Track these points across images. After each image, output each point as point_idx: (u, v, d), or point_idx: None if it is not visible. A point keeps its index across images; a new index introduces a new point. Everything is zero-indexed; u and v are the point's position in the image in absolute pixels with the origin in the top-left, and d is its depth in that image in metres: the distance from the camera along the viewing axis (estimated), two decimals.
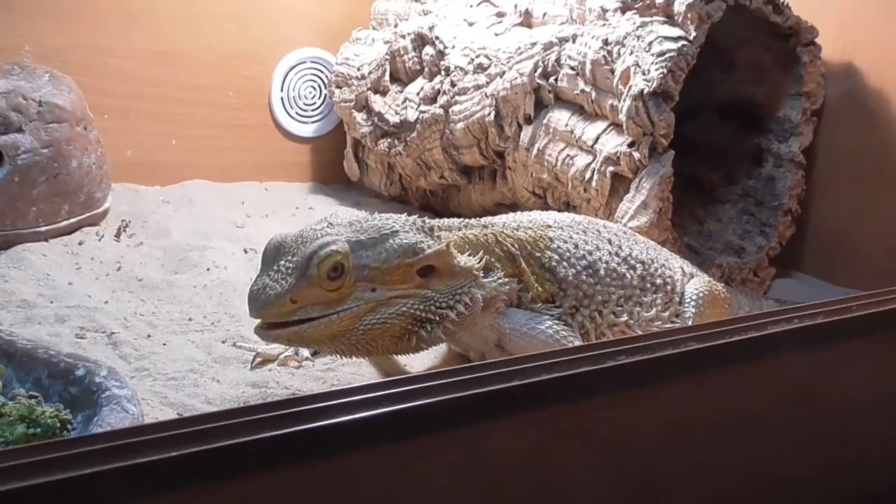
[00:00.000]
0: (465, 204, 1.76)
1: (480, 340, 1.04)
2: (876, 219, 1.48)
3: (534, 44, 1.54)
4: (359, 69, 1.86)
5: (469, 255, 1.00)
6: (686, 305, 1.14)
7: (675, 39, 1.30)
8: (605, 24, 1.44)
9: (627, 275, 1.10)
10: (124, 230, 1.54)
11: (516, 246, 1.05)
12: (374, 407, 0.55)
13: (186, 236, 1.55)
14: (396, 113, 1.77)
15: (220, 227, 1.63)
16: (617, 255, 1.10)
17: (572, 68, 1.45)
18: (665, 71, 1.28)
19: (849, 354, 0.80)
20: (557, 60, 1.49)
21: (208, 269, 1.39)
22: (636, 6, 1.41)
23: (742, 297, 1.33)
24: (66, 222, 1.49)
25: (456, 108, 1.64)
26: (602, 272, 1.08)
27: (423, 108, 1.71)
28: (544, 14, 1.61)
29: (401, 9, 1.90)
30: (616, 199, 1.37)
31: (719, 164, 1.61)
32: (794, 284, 1.55)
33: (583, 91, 1.43)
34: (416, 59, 1.79)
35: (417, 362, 1.15)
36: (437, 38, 1.73)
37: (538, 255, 1.06)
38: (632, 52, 1.33)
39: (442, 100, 1.67)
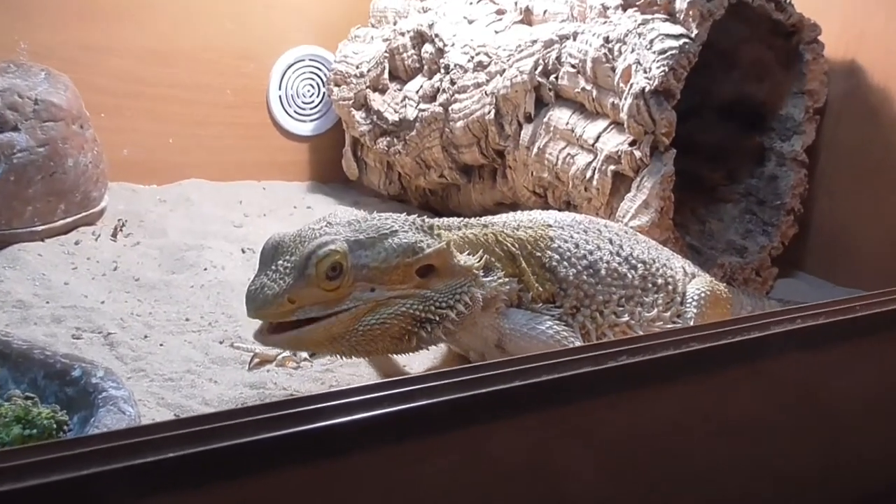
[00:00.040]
0: (464, 203, 1.76)
1: (480, 341, 1.04)
2: (879, 218, 1.48)
3: (534, 41, 1.54)
4: (357, 67, 1.86)
5: (469, 254, 1.00)
6: (688, 306, 1.14)
7: (677, 37, 1.30)
8: (606, 22, 1.44)
9: (629, 275, 1.10)
10: (121, 230, 1.54)
11: (517, 245, 1.05)
12: (375, 408, 0.55)
13: (183, 236, 1.55)
14: (395, 111, 1.77)
15: (217, 226, 1.63)
16: (618, 254, 1.10)
17: (573, 66, 1.45)
18: (667, 69, 1.28)
19: (852, 355, 0.80)
20: (558, 58, 1.49)
21: (206, 269, 1.40)
22: (637, 3, 1.41)
23: (744, 297, 1.33)
24: (62, 222, 1.49)
25: (456, 106, 1.64)
26: (603, 272, 1.08)
27: (422, 106, 1.71)
28: (545, 11, 1.61)
29: (400, 6, 1.90)
30: (617, 198, 1.37)
31: (721, 162, 1.61)
32: (797, 284, 1.55)
33: (584, 89, 1.43)
34: (415, 56, 1.79)
35: (417, 363, 1.15)
36: (436, 35, 1.73)
37: (539, 254, 1.06)
38: (633, 50, 1.33)
39: (441, 98, 1.67)
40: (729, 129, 1.62)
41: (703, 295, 1.15)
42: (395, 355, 1.11)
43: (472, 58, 1.63)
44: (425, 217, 1.03)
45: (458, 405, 0.59)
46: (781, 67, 1.52)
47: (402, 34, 1.81)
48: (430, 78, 1.74)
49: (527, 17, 1.65)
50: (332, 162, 2.01)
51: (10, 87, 1.45)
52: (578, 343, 1.03)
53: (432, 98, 1.71)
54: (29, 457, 0.48)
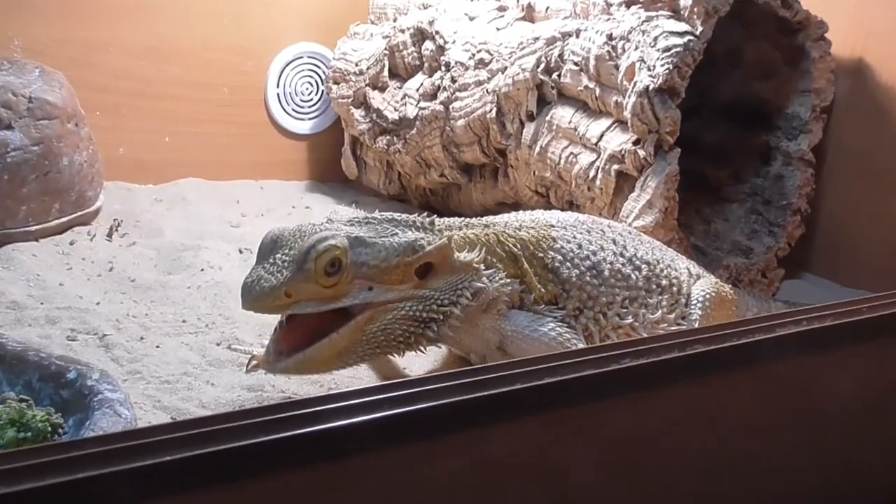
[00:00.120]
0: (465, 203, 1.76)
1: (482, 343, 1.04)
2: (887, 218, 1.48)
3: (536, 39, 1.54)
4: (357, 64, 1.86)
5: (468, 251, 1.00)
6: (692, 307, 1.14)
7: (682, 34, 1.30)
8: (609, 19, 1.44)
9: (632, 276, 1.10)
10: (116, 230, 1.54)
11: (518, 246, 1.05)
12: (375, 411, 0.55)
13: (180, 236, 1.56)
14: (395, 109, 1.77)
15: (214, 226, 1.63)
16: (622, 255, 1.11)
17: (576, 64, 1.45)
18: (671, 67, 1.28)
19: (858, 357, 0.80)
20: (560, 56, 1.49)
21: (202, 270, 1.40)
22: (641, 0, 1.41)
23: (750, 298, 1.33)
24: (56, 221, 1.49)
25: (456, 104, 1.64)
26: (606, 273, 1.08)
27: (422, 104, 1.71)
28: (547, 8, 1.61)
29: (400, 3, 1.90)
30: (621, 197, 1.37)
31: (726, 162, 1.61)
32: (804, 286, 1.55)
33: (586, 87, 1.43)
34: (415, 54, 1.79)
35: (417, 365, 1.15)
36: (437, 32, 1.73)
37: (541, 255, 1.06)
38: (637, 48, 1.33)
39: (442, 96, 1.67)
40: (734, 127, 1.62)
41: (708, 296, 1.15)
42: (397, 357, 1.11)
43: (474, 55, 1.63)
44: (426, 214, 1.03)
45: (459, 408, 0.59)
46: (787, 65, 1.52)
47: (402, 31, 1.81)
48: (430, 76, 1.74)
49: (529, 14, 1.65)
50: (330, 161, 2.01)
51: (4, 84, 1.45)
52: (581, 345, 1.03)
53: (433, 96, 1.71)
54: (23, 460, 0.48)
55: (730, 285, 1.24)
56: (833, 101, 1.51)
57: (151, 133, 1.85)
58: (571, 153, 1.45)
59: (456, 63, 1.66)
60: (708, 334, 0.72)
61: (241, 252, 1.50)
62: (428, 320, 0.96)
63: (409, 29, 1.79)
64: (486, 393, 0.59)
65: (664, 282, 1.13)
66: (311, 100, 2.03)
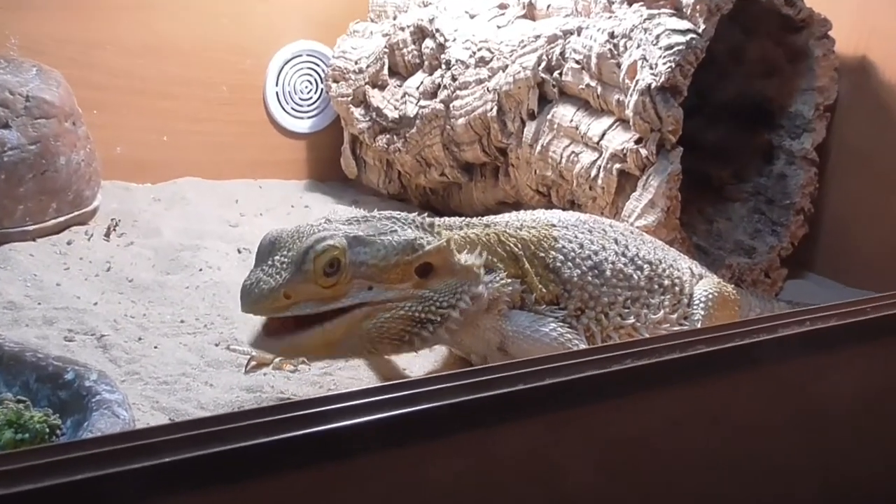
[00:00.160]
0: (466, 202, 1.76)
1: (483, 343, 1.04)
2: (891, 218, 1.48)
3: (537, 37, 1.54)
4: (356, 63, 1.86)
5: (469, 253, 1.00)
6: (695, 307, 1.14)
7: (684, 32, 1.30)
8: (611, 17, 1.44)
9: (634, 276, 1.10)
10: (114, 229, 1.54)
11: (519, 246, 1.05)
12: (376, 411, 0.55)
13: (178, 236, 1.56)
14: (395, 108, 1.77)
15: (213, 226, 1.63)
16: (623, 255, 1.11)
17: (577, 62, 1.45)
18: (673, 65, 1.28)
19: (862, 358, 0.80)
20: (562, 54, 1.49)
21: (201, 270, 1.40)
22: None
23: (753, 298, 1.33)
24: (53, 221, 1.49)
25: (457, 103, 1.64)
26: (608, 273, 1.08)
27: (422, 103, 1.71)
28: (548, 6, 1.61)
29: (400, 0, 1.90)
30: (622, 197, 1.37)
31: (729, 161, 1.61)
32: (807, 286, 1.55)
33: (588, 86, 1.43)
34: (415, 52, 1.79)
35: (418, 366, 1.15)
36: (437, 30, 1.73)
37: (542, 255, 1.06)
38: (639, 46, 1.33)
39: (442, 94, 1.67)
40: (737, 126, 1.62)
41: (710, 296, 1.15)
42: (395, 357, 1.11)
43: (474, 53, 1.64)
44: (426, 214, 1.04)
45: (461, 409, 0.59)
46: (791, 63, 1.52)
47: (402, 29, 1.81)
48: (430, 74, 1.74)
49: (530, 12, 1.65)
50: (330, 160, 2.01)
51: (1, 83, 1.45)
52: (583, 346, 1.03)
53: (433, 94, 1.71)
54: (21, 461, 0.48)
55: (732, 285, 1.24)
56: (836, 100, 1.51)
57: (149, 132, 1.85)
58: (573, 152, 1.45)
59: (456, 61, 1.66)
60: (710, 335, 0.72)
61: (239, 252, 1.50)
62: (425, 321, 0.96)
63: (409, 27, 1.79)
64: (488, 393, 0.59)
65: (666, 282, 1.13)
66: (311, 98, 2.03)
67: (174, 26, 1.84)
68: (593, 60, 1.41)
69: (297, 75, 2.01)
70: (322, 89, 2.01)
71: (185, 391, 1.04)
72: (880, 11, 1.48)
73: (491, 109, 1.58)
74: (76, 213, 1.53)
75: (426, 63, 1.76)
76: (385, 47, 1.83)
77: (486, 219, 1.11)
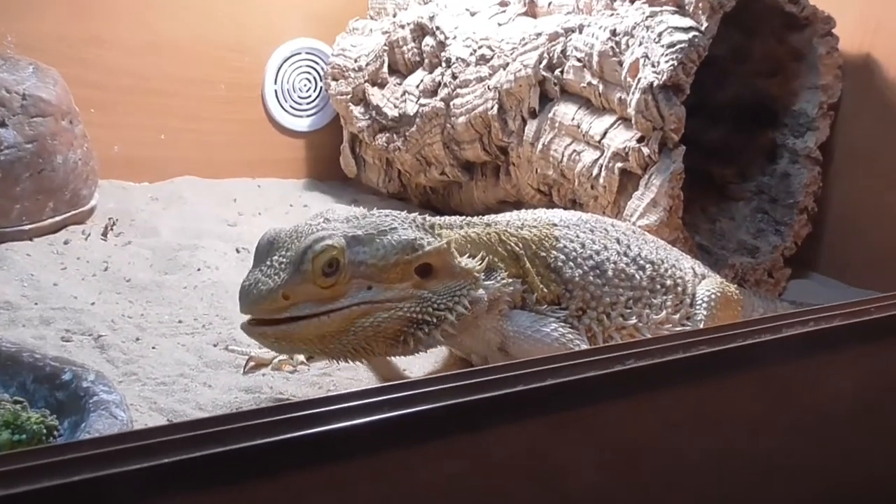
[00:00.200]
0: (466, 201, 1.76)
1: (483, 344, 1.04)
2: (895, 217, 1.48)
3: (539, 34, 1.54)
4: (356, 61, 1.86)
5: (470, 255, 1.00)
6: (697, 307, 1.14)
7: (687, 30, 1.31)
8: (613, 14, 1.44)
9: (636, 275, 1.10)
10: (111, 229, 1.55)
11: (520, 245, 1.05)
12: (375, 412, 0.55)
13: (176, 235, 1.56)
14: (395, 106, 1.78)
15: (211, 225, 1.63)
16: (625, 254, 1.11)
17: (579, 60, 1.45)
18: (675, 63, 1.28)
19: (866, 358, 0.81)
20: (563, 52, 1.49)
21: (199, 270, 1.40)
22: None
23: (756, 298, 1.33)
24: (50, 220, 1.49)
25: (457, 101, 1.64)
26: (610, 273, 1.08)
27: (423, 101, 1.72)
28: (549, 3, 1.61)
29: None
30: (624, 196, 1.37)
31: (732, 159, 1.62)
32: (811, 286, 1.55)
33: (590, 84, 1.43)
34: (415, 50, 1.79)
35: (417, 367, 1.16)
36: (437, 28, 1.73)
37: (543, 254, 1.06)
38: (641, 44, 1.34)
39: (443, 93, 1.68)
40: (740, 125, 1.62)
41: (713, 296, 1.15)
42: (392, 358, 1.11)
43: (475, 51, 1.64)
44: (426, 216, 1.04)
45: (460, 410, 0.59)
46: (794, 61, 1.52)
47: (402, 26, 1.81)
48: (430, 72, 1.74)
49: (531, 10, 1.66)
50: (329, 159, 2.01)
51: None
52: (584, 346, 1.03)
53: (433, 93, 1.71)
54: (18, 462, 0.48)
55: (735, 285, 1.24)
56: (840, 98, 1.51)
57: (147, 130, 1.85)
58: (574, 151, 1.45)
59: (457, 59, 1.66)
60: (713, 335, 0.72)
61: (238, 251, 1.50)
62: (421, 322, 0.96)
63: (409, 24, 1.80)
64: (488, 394, 0.59)
65: (668, 282, 1.13)
66: (310, 96, 2.03)
67: (172, 24, 1.85)
68: (595, 58, 1.41)
69: (296, 73, 2.01)
70: (321, 87, 2.01)
71: (184, 392, 1.04)
72: (885, 8, 1.48)
73: (492, 108, 1.58)
74: (73, 212, 1.53)
75: (426, 61, 1.76)
76: (385, 45, 1.83)
77: (486, 218, 1.11)
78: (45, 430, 0.82)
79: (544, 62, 1.51)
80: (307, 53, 2.01)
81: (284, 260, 0.92)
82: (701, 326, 1.12)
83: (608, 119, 1.41)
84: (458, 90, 1.64)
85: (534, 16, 1.65)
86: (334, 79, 1.89)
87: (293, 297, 0.91)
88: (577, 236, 1.09)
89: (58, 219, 1.50)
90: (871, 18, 1.50)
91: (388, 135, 1.79)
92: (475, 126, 1.62)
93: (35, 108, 1.47)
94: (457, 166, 1.71)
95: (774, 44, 1.53)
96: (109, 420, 0.83)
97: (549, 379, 0.62)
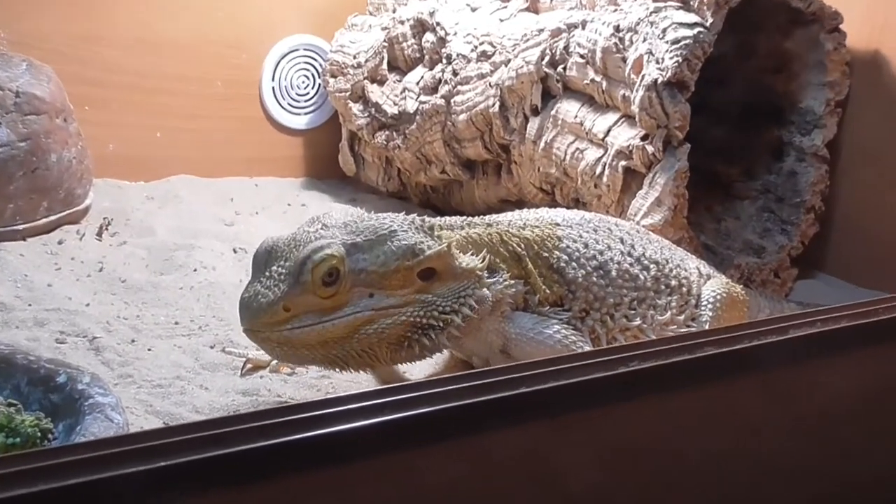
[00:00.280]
0: (467, 200, 1.76)
1: (485, 346, 1.04)
2: None
3: (541, 30, 1.54)
4: (355, 57, 1.86)
5: (472, 255, 1.00)
6: (703, 308, 1.14)
7: (691, 26, 1.31)
8: (616, 10, 1.44)
9: (640, 276, 1.10)
10: (106, 228, 1.55)
11: (522, 246, 1.05)
12: (376, 415, 0.55)
13: (172, 235, 1.56)
14: (395, 104, 1.78)
15: (207, 225, 1.63)
16: (629, 254, 1.11)
17: (582, 56, 1.45)
18: (680, 59, 1.28)
19: (874, 360, 0.81)
20: (566, 48, 1.49)
21: (195, 270, 1.40)
22: None
23: (762, 299, 1.33)
24: (44, 220, 1.49)
25: (458, 98, 1.64)
26: (614, 273, 1.08)
27: (423, 98, 1.72)
28: None
29: None
30: (628, 195, 1.37)
31: (738, 158, 1.62)
32: (818, 286, 1.55)
33: (593, 81, 1.43)
34: (415, 46, 1.79)
35: (417, 370, 1.16)
36: (437, 24, 1.74)
37: (546, 255, 1.06)
38: (645, 40, 1.34)
39: (443, 90, 1.68)
40: (745, 122, 1.62)
41: (718, 297, 1.15)
42: (396, 364, 1.11)
43: (476, 47, 1.64)
44: (426, 216, 1.04)
45: (462, 412, 0.59)
46: (801, 58, 1.52)
47: (402, 22, 1.81)
48: (431, 69, 1.74)
49: (533, 5, 1.66)
50: (327, 157, 2.01)
51: None
52: (587, 348, 1.03)
53: (433, 90, 1.71)
54: (12, 466, 0.49)
55: (741, 286, 1.24)
56: (848, 95, 1.51)
57: (142, 128, 1.85)
58: (577, 149, 1.45)
59: (457, 55, 1.66)
60: (719, 336, 0.72)
61: (235, 252, 1.50)
62: (426, 327, 0.96)
63: (408, 20, 1.80)
64: (489, 397, 0.60)
65: (673, 282, 1.13)
66: (308, 94, 2.03)
67: (168, 20, 1.85)
68: (598, 55, 1.41)
69: (293, 70, 2.01)
70: (319, 84, 2.02)
71: (180, 395, 1.04)
72: (893, 4, 1.48)
73: (493, 105, 1.58)
74: (67, 211, 1.53)
75: (426, 57, 1.76)
76: (384, 41, 1.83)
77: (487, 218, 1.11)
78: (39, 434, 0.82)
79: (546, 59, 1.51)
80: (305, 50, 2.02)
81: (283, 270, 0.92)
82: (706, 328, 1.12)
83: (612, 117, 1.41)
84: (459, 87, 1.64)
85: (536, 11, 1.65)
86: (333, 76, 1.89)
87: (294, 309, 0.91)
88: (581, 236, 1.09)
89: (52, 218, 1.50)
90: (879, 14, 1.50)
91: (387, 132, 1.80)
92: (476, 124, 1.62)
93: (29, 105, 1.47)
94: (457, 165, 1.71)
95: (781, 40, 1.53)
96: (105, 423, 0.83)
97: (552, 381, 0.62)
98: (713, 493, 0.74)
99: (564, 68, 1.49)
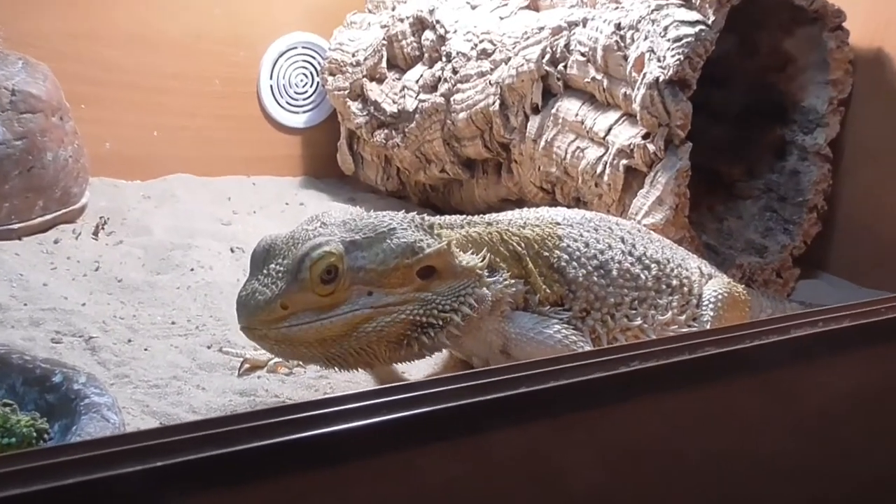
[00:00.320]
0: (467, 200, 1.76)
1: (485, 346, 1.04)
2: None
3: (541, 28, 1.54)
4: (354, 55, 1.86)
5: (472, 254, 1.00)
6: (704, 308, 1.14)
7: (693, 24, 1.31)
8: (617, 8, 1.44)
9: (641, 275, 1.10)
10: (103, 228, 1.55)
11: (523, 245, 1.05)
12: (374, 415, 0.56)
13: (169, 234, 1.56)
14: (394, 102, 1.78)
15: (204, 224, 1.63)
16: (630, 254, 1.11)
17: (582, 54, 1.46)
18: (682, 57, 1.28)
19: (877, 360, 0.81)
20: (567, 46, 1.49)
21: (192, 270, 1.40)
22: None
23: (764, 299, 1.33)
24: (40, 219, 1.49)
25: (458, 96, 1.64)
26: (614, 273, 1.08)
27: (422, 96, 1.72)
28: None
29: None
30: (629, 194, 1.37)
31: (740, 157, 1.62)
32: (820, 286, 1.55)
33: (594, 79, 1.43)
34: (415, 44, 1.79)
35: (416, 369, 1.16)
36: (437, 21, 1.74)
37: (546, 254, 1.06)
38: (646, 38, 1.34)
39: (443, 88, 1.68)
40: (747, 121, 1.62)
41: (720, 297, 1.15)
42: (395, 363, 1.11)
43: (476, 45, 1.64)
44: (425, 215, 1.04)
45: (461, 412, 0.59)
46: (803, 56, 1.52)
47: (401, 20, 1.81)
48: (430, 67, 1.74)
49: (533, 3, 1.66)
50: (326, 156, 2.01)
51: None
52: (588, 348, 1.03)
53: (433, 88, 1.71)
54: (7, 466, 0.49)
55: (743, 285, 1.24)
56: (851, 93, 1.51)
57: (139, 127, 1.85)
58: (578, 147, 1.45)
59: (457, 53, 1.66)
60: (720, 336, 0.72)
61: (232, 251, 1.51)
62: (426, 325, 0.96)
63: (408, 18, 1.80)
64: (489, 396, 0.60)
65: (674, 282, 1.13)
66: (306, 92, 2.03)
67: (164, 17, 1.85)
68: (599, 53, 1.41)
69: (292, 68, 2.01)
70: (318, 83, 2.02)
71: (177, 395, 1.04)
72: (895, 2, 1.49)
73: (493, 103, 1.58)
74: (63, 210, 1.53)
75: (426, 55, 1.76)
76: (383, 39, 1.83)
77: (487, 217, 1.11)
78: (35, 434, 0.82)
79: (547, 57, 1.51)
80: (304, 48, 2.02)
81: (281, 268, 0.92)
82: (708, 327, 1.12)
83: (613, 115, 1.41)
84: (459, 85, 1.64)
85: (536, 9, 1.65)
86: (331, 74, 1.89)
87: (292, 307, 0.91)
88: (581, 235, 1.09)
89: (48, 217, 1.50)
90: (883, 12, 1.50)
91: (386, 131, 1.80)
92: (476, 122, 1.62)
93: (24, 103, 1.47)
94: (457, 163, 1.71)
95: (783, 38, 1.53)
96: (101, 423, 0.83)
97: (552, 381, 0.62)
98: (713, 493, 0.74)
99: (565, 66, 1.49)
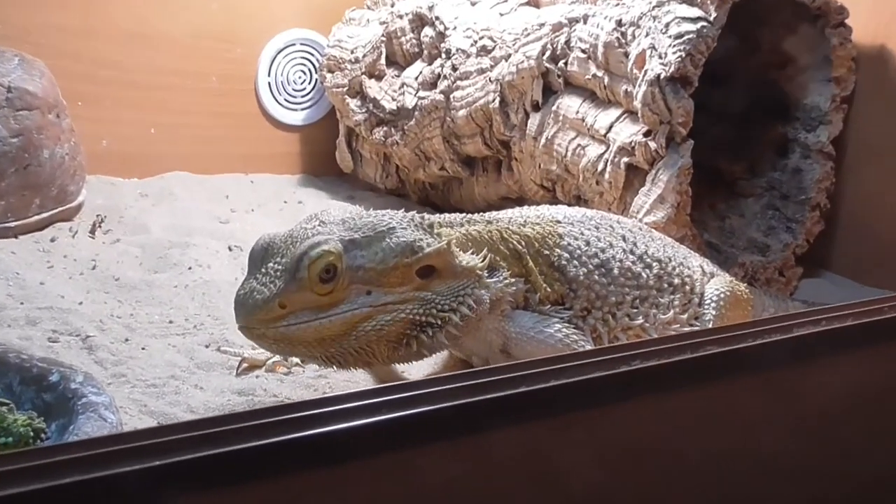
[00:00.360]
0: (467, 198, 1.76)
1: (485, 345, 1.04)
2: None
3: (542, 25, 1.54)
4: (352, 52, 1.86)
5: (472, 253, 1.01)
6: (706, 307, 1.14)
7: (695, 20, 1.31)
8: (618, 4, 1.44)
9: (643, 274, 1.10)
10: (100, 226, 1.55)
11: (523, 243, 1.05)
12: (373, 414, 0.56)
13: (166, 232, 1.56)
14: (393, 99, 1.78)
15: (202, 222, 1.63)
16: (632, 252, 1.11)
17: (583, 51, 1.46)
18: (683, 54, 1.28)
19: (880, 359, 0.81)
20: (567, 43, 1.49)
21: (190, 268, 1.40)
22: None
23: (766, 298, 1.33)
24: (37, 217, 1.49)
25: (457, 93, 1.64)
26: (615, 271, 1.08)
27: (421, 93, 1.72)
28: None
29: None
30: (631, 192, 1.37)
31: (742, 155, 1.62)
32: (823, 285, 1.55)
33: (595, 76, 1.43)
34: (414, 40, 1.79)
35: (416, 369, 1.16)
36: (437, 18, 1.74)
37: (547, 253, 1.06)
38: (647, 34, 1.34)
39: (442, 85, 1.68)
40: (750, 118, 1.62)
41: (722, 296, 1.15)
42: (394, 363, 1.11)
43: (476, 42, 1.64)
44: (425, 213, 1.04)
45: (461, 412, 0.59)
46: (806, 53, 1.52)
47: (401, 17, 1.81)
48: (430, 63, 1.74)
49: None
50: (324, 154, 2.01)
51: None
52: (589, 347, 1.03)
53: (432, 85, 1.71)
54: (4, 465, 0.49)
55: (745, 284, 1.25)
56: (854, 91, 1.51)
57: (136, 124, 1.85)
58: (579, 145, 1.45)
59: (457, 50, 1.66)
60: (722, 335, 0.72)
61: (230, 249, 1.51)
62: (425, 324, 0.96)
63: (407, 14, 1.80)
64: (490, 395, 0.60)
65: (676, 280, 1.13)
66: (305, 89, 2.03)
67: (162, 14, 1.85)
68: (600, 49, 1.41)
69: (290, 65, 2.01)
70: (316, 80, 2.02)
71: (174, 394, 1.04)
72: None
73: (493, 100, 1.58)
74: (60, 208, 1.54)
75: (425, 52, 1.76)
76: (382, 36, 1.83)
77: (487, 215, 1.11)
78: (32, 433, 0.82)
79: (547, 53, 1.51)
80: (302, 44, 2.02)
81: (279, 267, 0.92)
82: (710, 326, 1.12)
83: (614, 112, 1.41)
84: (459, 82, 1.64)
85: (537, 5, 1.65)
86: (330, 71, 1.89)
87: (290, 306, 0.91)
88: (582, 233, 1.09)
89: (44, 216, 1.51)
90: (886, 9, 1.50)
91: (385, 129, 1.80)
92: (476, 119, 1.62)
93: (21, 101, 1.47)
94: (457, 161, 1.71)
95: (785, 35, 1.53)
96: (98, 422, 0.83)
97: (553, 380, 0.62)
98: (714, 493, 0.74)
99: (566, 63, 1.49)
